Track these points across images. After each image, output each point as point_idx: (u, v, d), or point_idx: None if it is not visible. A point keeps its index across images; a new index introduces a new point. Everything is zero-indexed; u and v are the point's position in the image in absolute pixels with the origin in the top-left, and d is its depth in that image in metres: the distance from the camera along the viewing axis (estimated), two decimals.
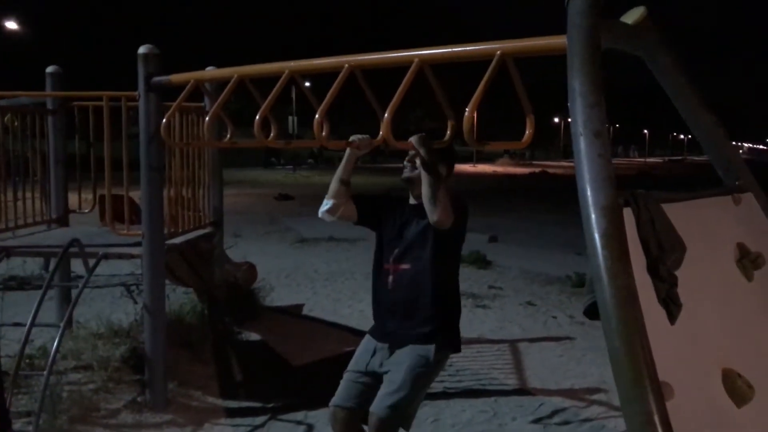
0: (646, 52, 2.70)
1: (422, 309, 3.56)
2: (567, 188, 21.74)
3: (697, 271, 2.19)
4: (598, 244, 1.81)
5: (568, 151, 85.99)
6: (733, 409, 1.99)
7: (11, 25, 35.18)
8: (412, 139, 3.47)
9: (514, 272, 10.74)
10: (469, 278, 9.83)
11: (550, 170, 51.31)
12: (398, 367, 3.49)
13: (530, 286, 9.72)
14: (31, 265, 8.37)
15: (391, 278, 3.65)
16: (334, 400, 3.59)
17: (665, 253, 1.95)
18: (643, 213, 1.96)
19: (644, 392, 1.63)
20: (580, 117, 2.03)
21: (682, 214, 2.28)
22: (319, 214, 3.75)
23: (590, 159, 1.93)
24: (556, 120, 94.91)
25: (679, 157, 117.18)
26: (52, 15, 38.18)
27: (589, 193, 1.89)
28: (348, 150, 3.65)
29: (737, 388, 2.03)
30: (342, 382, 3.64)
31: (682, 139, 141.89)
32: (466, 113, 2.82)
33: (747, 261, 2.48)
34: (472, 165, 54.89)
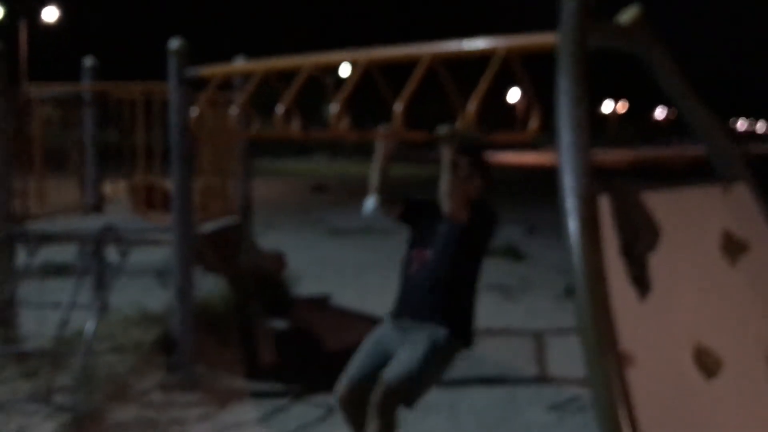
0: (640, 51, 2.84)
1: (437, 295, 3.74)
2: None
3: (677, 255, 2.35)
4: (572, 227, 1.98)
5: (621, 139, 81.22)
6: (701, 381, 2.15)
7: (49, 17, 35.66)
8: (440, 134, 3.65)
9: (548, 265, 10.65)
10: (500, 270, 9.84)
11: (600, 159, 48.09)
12: (411, 346, 3.64)
13: (563, 280, 9.72)
14: (63, 254, 8.62)
15: (414, 265, 3.86)
16: (342, 379, 3.76)
17: (638, 238, 2.10)
18: (619, 200, 2.11)
19: (605, 358, 1.81)
20: (564, 111, 2.19)
21: (666, 202, 2.45)
22: (364, 211, 3.94)
23: (570, 151, 2.10)
24: (606, 110, 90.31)
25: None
26: (82, 3, 38.74)
27: (567, 181, 2.05)
28: (377, 145, 3.85)
29: (707, 363, 2.18)
30: (354, 357, 3.82)
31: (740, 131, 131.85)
32: (470, 105, 2.99)
33: (731, 247, 2.63)
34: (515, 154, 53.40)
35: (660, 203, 2.36)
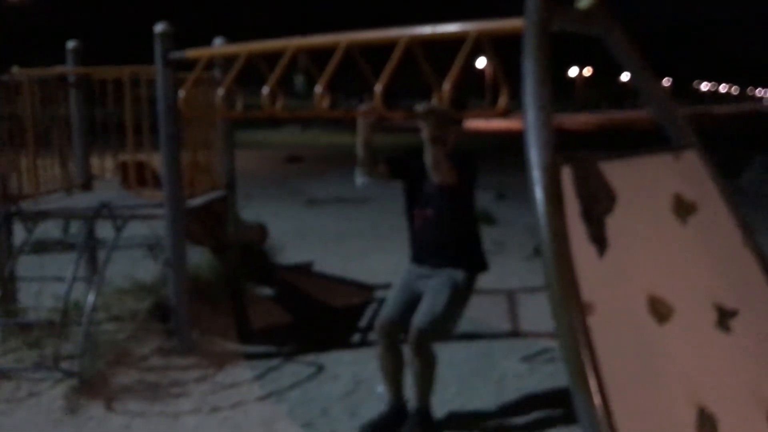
0: (599, 33, 3.15)
1: (448, 245, 4.34)
2: (579, 146, 22.05)
3: (632, 217, 2.67)
4: (538, 195, 2.30)
5: (585, 106, 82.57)
6: (654, 326, 2.48)
7: None
8: (418, 112, 3.99)
9: (518, 228, 11.00)
10: None
11: (566, 125, 46.76)
12: (434, 289, 4.24)
13: (534, 241, 10.09)
14: (47, 232, 8.81)
15: (418, 222, 4.41)
16: (381, 315, 4.36)
17: (596, 202, 2.43)
18: (578, 170, 2.43)
19: (569, 308, 2.13)
20: (529, 91, 2.49)
21: (622, 170, 2.77)
22: (357, 183, 4.46)
23: (535, 127, 2.41)
24: (572, 74, 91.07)
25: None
26: None
27: (533, 154, 2.37)
28: (359, 121, 4.21)
29: (659, 310, 2.52)
30: (387, 300, 4.43)
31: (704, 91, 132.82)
32: (444, 86, 3.29)
33: (681, 208, 2.97)
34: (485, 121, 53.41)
35: (616, 171, 2.68)
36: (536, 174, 2.32)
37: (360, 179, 4.39)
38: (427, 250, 4.38)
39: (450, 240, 4.33)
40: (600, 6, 3.09)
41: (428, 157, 4.01)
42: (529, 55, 2.56)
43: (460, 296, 4.29)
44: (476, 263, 4.45)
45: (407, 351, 4.23)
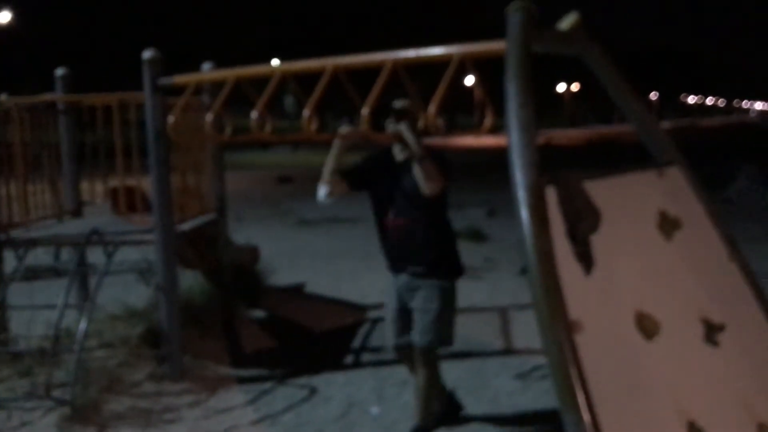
0: (579, 53, 3.19)
1: (423, 253, 4.34)
2: (569, 160, 22.11)
3: (618, 234, 2.70)
4: (524, 215, 2.33)
5: (574, 121, 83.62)
6: (642, 342, 2.51)
7: (2, 18, 35.17)
8: (401, 130, 4.04)
9: (509, 245, 11.02)
10: (464, 252, 10.12)
11: (556, 140, 47.13)
12: (424, 303, 4.31)
13: (523, 259, 10.09)
14: (37, 259, 8.78)
15: (391, 232, 4.40)
16: (393, 341, 4.47)
17: (581, 221, 2.46)
18: (563, 189, 2.46)
19: (556, 327, 2.15)
20: (512, 113, 2.53)
21: (607, 189, 2.80)
22: (318, 200, 4.46)
23: (519, 148, 2.43)
24: (560, 89, 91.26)
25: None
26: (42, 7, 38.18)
27: (518, 175, 2.40)
28: (336, 141, 4.24)
29: (646, 326, 2.54)
30: (391, 323, 4.49)
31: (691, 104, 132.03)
32: (430, 107, 3.33)
33: (666, 225, 3.00)
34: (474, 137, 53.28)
35: (601, 190, 2.71)
36: (521, 194, 2.35)
37: (320, 196, 4.43)
38: (405, 260, 4.39)
39: (427, 247, 4.34)
40: (578, 27, 3.14)
41: (421, 175, 4.02)
42: (511, 77, 2.59)
43: (449, 302, 4.38)
44: (455, 268, 4.51)
45: (415, 365, 4.41)
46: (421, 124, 3.89)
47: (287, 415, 4.95)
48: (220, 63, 6.34)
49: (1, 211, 5.87)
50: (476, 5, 52.87)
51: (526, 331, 6.62)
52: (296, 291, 8.50)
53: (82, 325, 5.05)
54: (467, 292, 8.19)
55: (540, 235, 2.28)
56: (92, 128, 6.72)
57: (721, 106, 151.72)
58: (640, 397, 2.43)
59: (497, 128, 3.52)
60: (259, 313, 7.33)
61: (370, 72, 3.70)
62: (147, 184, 5.93)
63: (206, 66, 6.42)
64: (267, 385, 5.48)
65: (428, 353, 4.35)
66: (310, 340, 6.65)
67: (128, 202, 6.26)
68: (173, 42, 28.59)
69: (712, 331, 2.82)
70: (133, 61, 5.60)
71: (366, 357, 6.16)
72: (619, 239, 2.70)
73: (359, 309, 7.58)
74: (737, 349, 2.83)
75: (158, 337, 5.67)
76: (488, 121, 3.39)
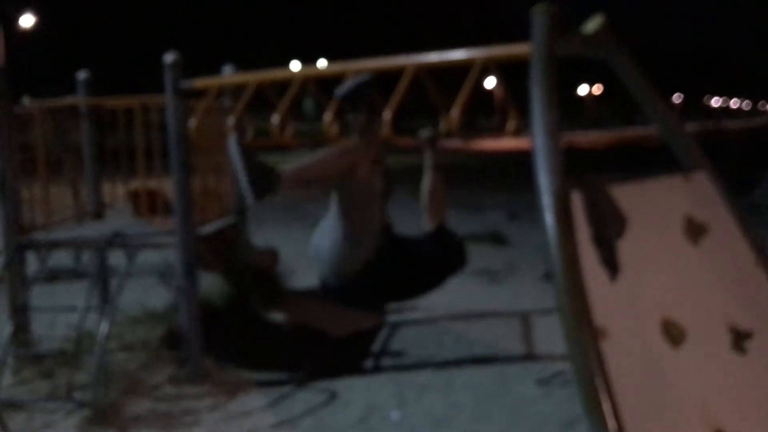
0: (606, 56, 3.16)
1: None
2: (591, 163, 21.98)
3: (643, 240, 2.67)
4: (549, 221, 2.30)
5: (596, 123, 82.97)
6: (668, 350, 2.47)
7: (26, 22, 35.50)
8: (421, 137, 4.04)
9: (531, 249, 10.84)
10: (485, 255, 10.10)
11: (577, 143, 46.06)
12: None
13: (545, 263, 9.95)
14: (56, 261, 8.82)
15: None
16: None
17: (606, 226, 2.43)
18: (588, 194, 2.43)
19: (581, 334, 2.13)
20: (537, 117, 2.50)
21: (632, 194, 2.77)
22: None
23: (544, 153, 2.41)
24: (582, 92, 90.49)
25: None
26: (63, 10, 38.54)
27: (543, 181, 2.38)
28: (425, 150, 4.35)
29: (672, 333, 2.51)
30: None
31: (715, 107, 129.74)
32: (453, 111, 3.31)
33: (693, 230, 2.96)
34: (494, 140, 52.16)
35: (627, 195, 2.68)
36: (546, 200, 2.33)
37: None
38: None
39: None
40: (605, 29, 3.11)
41: (432, 187, 4.02)
42: (535, 81, 2.57)
43: None
44: None
45: None
46: (442, 127, 3.89)
47: (307, 420, 4.94)
48: (240, 64, 6.37)
49: (23, 213, 5.88)
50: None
51: (549, 336, 6.57)
52: (316, 294, 8.46)
53: (103, 327, 5.06)
54: (488, 296, 8.20)
55: (565, 241, 2.26)
56: (113, 131, 6.75)
57: (746, 108, 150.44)
58: (666, 405, 2.39)
59: (519, 131, 3.50)
60: (278, 316, 7.32)
61: (391, 73, 3.70)
62: (168, 186, 5.95)
63: (227, 68, 6.43)
64: (286, 388, 5.47)
65: None
66: (329, 344, 6.63)
67: (149, 204, 6.28)
68: (194, 44, 28.79)
69: (739, 339, 2.78)
70: (155, 64, 5.62)
71: (386, 361, 6.13)
72: (644, 245, 2.67)
73: (379, 313, 7.55)
74: (765, 357, 2.79)
75: (178, 339, 5.68)
76: (512, 123, 3.36)
